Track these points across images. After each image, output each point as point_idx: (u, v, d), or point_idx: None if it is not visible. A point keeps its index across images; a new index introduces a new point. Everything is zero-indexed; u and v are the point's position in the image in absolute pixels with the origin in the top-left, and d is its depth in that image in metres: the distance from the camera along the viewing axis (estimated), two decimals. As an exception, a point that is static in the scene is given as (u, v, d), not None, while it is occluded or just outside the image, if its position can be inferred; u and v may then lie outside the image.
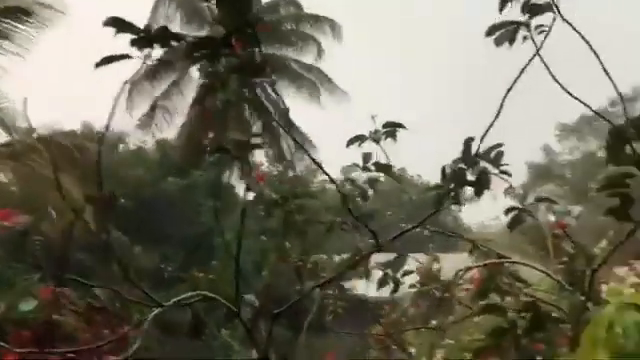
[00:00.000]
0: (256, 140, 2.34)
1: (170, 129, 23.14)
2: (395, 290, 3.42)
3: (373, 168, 2.89)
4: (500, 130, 2.73)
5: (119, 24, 2.04)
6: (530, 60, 2.34)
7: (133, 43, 2.04)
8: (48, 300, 2.93)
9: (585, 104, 2.43)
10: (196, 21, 21.88)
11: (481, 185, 2.60)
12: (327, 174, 2.54)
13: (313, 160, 2.56)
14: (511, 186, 2.98)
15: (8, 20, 13.19)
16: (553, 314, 2.31)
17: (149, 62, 2.04)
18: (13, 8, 13.10)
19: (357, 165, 2.91)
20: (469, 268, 3.09)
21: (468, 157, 2.60)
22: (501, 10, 2.42)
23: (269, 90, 24.45)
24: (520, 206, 2.84)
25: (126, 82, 2.09)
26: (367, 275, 3.39)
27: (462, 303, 3.27)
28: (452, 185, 2.63)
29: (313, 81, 23.71)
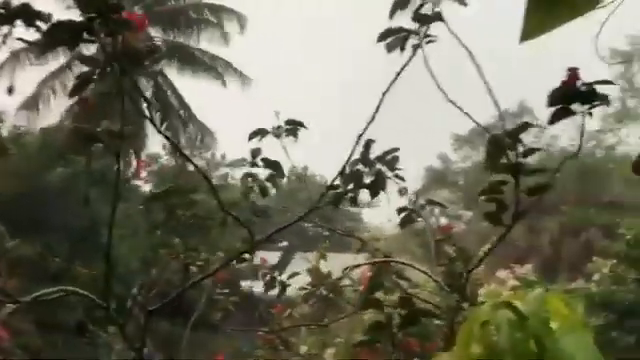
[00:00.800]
0: (130, 130, 2.21)
1: (56, 113, 21.91)
2: (282, 293, 3.46)
3: (261, 164, 2.87)
4: (409, 136, 2.81)
5: None
6: (405, 64, 2.41)
7: None
8: None
9: (469, 115, 2.55)
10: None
11: (377, 187, 2.66)
12: (201, 172, 2.44)
13: (182, 155, 2.45)
14: (404, 188, 3.08)
15: None
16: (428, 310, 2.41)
17: (10, 40, 1.88)
18: None
19: (245, 160, 2.89)
20: (356, 266, 3.15)
21: (367, 159, 2.64)
22: (391, 16, 2.47)
23: (170, 80, 23.78)
24: (411, 207, 2.94)
25: None
26: (256, 274, 3.37)
27: (350, 303, 3.33)
28: (350, 186, 2.66)
29: (218, 70, 23.27)
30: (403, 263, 3.02)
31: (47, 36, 1.87)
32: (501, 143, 2.22)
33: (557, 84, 2.12)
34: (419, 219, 3.01)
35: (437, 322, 2.76)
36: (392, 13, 2.48)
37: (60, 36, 1.85)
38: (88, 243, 19.50)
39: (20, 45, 1.92)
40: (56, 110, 21.91)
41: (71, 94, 2.39)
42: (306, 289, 3.41)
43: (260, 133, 2.87)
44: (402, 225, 2.92)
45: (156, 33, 22.30)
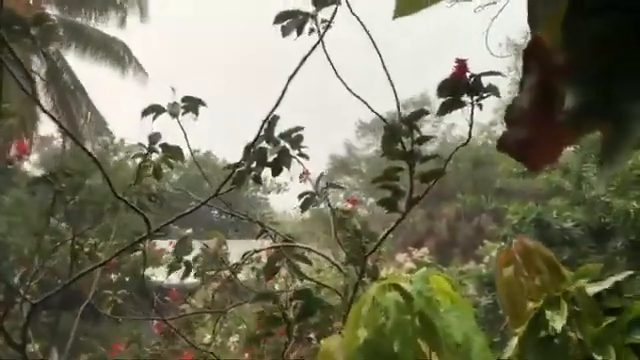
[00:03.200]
0: (11, 107, 2.05)
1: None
2: (186, 274, 3.33)
3: (160, 149, 2.75)
4: (317, 121, 2.80)
5: None
6: (311, 51, 2.39)
7: None
8: None
9: (367, 104, 2.58)
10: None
11: (280, 164, 2.60)
12: (89, 153, 2.31)
13: (70, 135, 2.30)
14: (306, 171, 3.09)
15: None
16: (326, 300, 2.44)
17: None
18: None
19: (142, 145, 2.75)
20: (256, 251, 3.13)
21: (271, 136, 2.58)
22: None
23: (67, 62, 22.42)
24: (313, 191, 2.94)
25: None
26: (146, 261, 3.25)
27: (246, 287, 3.31)
28: (253, 164, 2.59)
29: (118, 53, 22.25)
30: (301, 247, 3.04)
31: None
32: (397, 130, 2.27)
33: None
34: (320, 204, 3.03)
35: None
36: None
37: None
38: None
39: None
40: None
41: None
42: (201, 274, 3.32)
43: (155, 110, 2.69)
44: (303, 208, 2.92)
45: (53, 11, 20.91)
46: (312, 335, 2.57)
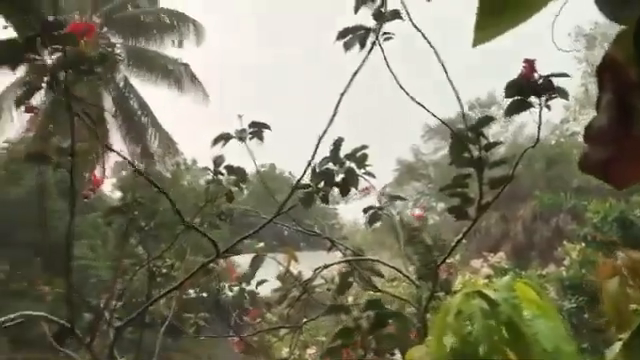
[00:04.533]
0: (83, 146, 2.17)
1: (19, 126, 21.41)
2: (252, 303, 3.42)
3: (225, 172, 2.82)
4: (382, 129, 2.78)
5: None
6: (362, 63, 2.38)
7: None
8: None
9: (428, 110, 2.53)
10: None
11: (348, 185, 2.63)
12: (157, 187, 2.39)
13: (135, 168, 2.38)
14: (368, 187, 3.07)
15: None
16: (402, 312, 2.39)
17: None
18: None
19: (208, 169, 2.83)
20: (325, 266, 3.12)
21: (336, 157, 2.60)
22: (356, 11, 2.45)
23: (133, 86, 23.43)
24: (377, 205, 2.93)
25: None
26: (220, 282, 3.32)
27: (320, 302, 3.30)
28: (321, 184, 2.62)
29: (179, 76, 23.06)
30: (371, 259, 3.00)
31: None
32: (463, 138, 2.22)
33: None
34: (386, 215, 2.99)
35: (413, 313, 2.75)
36: (357, 9, 2.46)
37: (1, 56, 1.78)
38: (58, 257, 19.11)
39: None
40: (19, 123, 21.43)
41: (17, 104, 2.32)
42: (278, 291, 3.36)
43: (224, 138, 2.80)
44: (370, 223, 2.91)
45: (117, 39, 21.96)
46: (390, 348, 2.54)
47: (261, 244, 3.55)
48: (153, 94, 23.27)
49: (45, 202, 19.39)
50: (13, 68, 1.77)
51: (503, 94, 2.17)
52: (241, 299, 3.19)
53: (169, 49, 22.72)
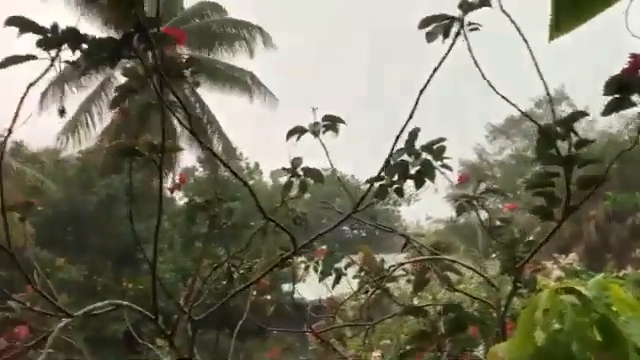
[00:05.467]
0: (171, 144, 2.23)
1: (95, 134, 22.47)
2: (336, 281, 3.36)
3: (302, 173, 2.81)
4: (439, 128, 2.71)
5: (22, 23, 1.88)
6: (445, 56, 2.30)
7: (39, 44, 1.90)
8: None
9: (513, 104, 2.44)
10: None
11: (424, 176, 2.53)
12: (242, 180, 2.42)
13: (225, 164, 2.41)
14: (464, 176, 3.00)
15: None
16: (474, 313, 2.32)
17: (58, 64, 1.90)
18: None
19: (285, 170, 2.83)
20: (401, 264, 3.08)
21: (412, 148, 2.52)
22: None
23: (198, 95, 24.15)
24: (471, 194, 2.84)
25: (31, 84, 1.93)
26: (295, 277, 3.33)
27: (395, 301, 3.26)
28: (395, 177, 2.55)
29: (246, 84, 23.57)
30: (450, 260, 2.94)
31: (87, 55, 1.88)
32: (551, 133, 2.11)
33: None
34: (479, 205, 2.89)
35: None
36: None
37: (100, 54, 1.87)
38: (131, 259, 19.92)
39: (66, 68, 1.94)
40: (95, 133, 22.50)
41: (112, 105, 2.42)
42: (358, 276, 3.30)
43: (298, 131, 2.75)
44: (458, 212, 2.80)
45: (184, 50, 22.70)
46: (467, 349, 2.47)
47: (324, 247, 3.55)
48: (220, 100, 23.90)
49: (116, 209, 20.17)
50: (112, 65, 1.85)
51: (568, 90, 2.06)
52: (328, 275, 3.09)
53: (237, 57, 23.40)
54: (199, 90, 23.10)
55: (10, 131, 2.09)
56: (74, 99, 21.40)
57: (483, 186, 2.90)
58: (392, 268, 3.07)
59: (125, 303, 2.45)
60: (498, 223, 2.75)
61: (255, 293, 4.02)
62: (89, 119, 21.95)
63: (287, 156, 2.88)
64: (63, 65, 1.96)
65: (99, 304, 2.33)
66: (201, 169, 26.64)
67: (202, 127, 22.85)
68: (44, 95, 20.27)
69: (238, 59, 23.70)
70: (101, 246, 20.86)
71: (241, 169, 26.68)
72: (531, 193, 2.31)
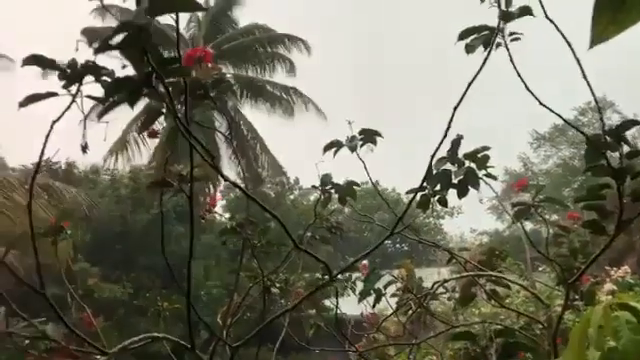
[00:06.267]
0: (201, 172, 2.22)
1: (144, 155, 23.03)
2: (377, 301, 3.30)
3: (333, 191, 2.76)
4: (477, 137, 2.62)
5: (40, 61, 1.88)
6: (481, 68, 2.20)
7: (60, 79, 1.90)
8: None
9: (558, 115, 2.34)
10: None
11: (467, 185, 2.45)
12: (262, 206, 2.38)
13: (245, 193, 2.38)
14: (522, 181, 2.89)
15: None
16: (525, 337, 2.20)
17: (79, 98, 1.90)
18: None
19: (315, 187, 2.79)
20: (445, 280, 2.98)
21: (455, 156, 2.44)
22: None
23: (242, 112, 24.58)
24: (528, 202, 2.74)
25: (54, 122, 1.93)
26: (337, 294, 3.27)
27: (438, 318, 3.16)
28: (437, 187, 2.48)
29: (289, 102, 23.88)
30: (497, 275, 2.82)
31: (107, 94, 1.88)
32: (600, 143, 2.00)
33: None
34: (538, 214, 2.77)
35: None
36: None
37: (120, 93, 1.86)
38: (176, 278, 20.19)
39: (91, 102, 1.94)
40: (145, 151, 23.06)
41: (141, 129, 2.44)
42: (397, 295, 3.21)
43: (334, 145, 2.71)
44: (517, 218, 2.69)
45: (228, 70, 23.16)
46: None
47: (364, 262, 3.48)
48: (262, 119, 24.29)
49: (165, 227, 20.53)
50: (132, 105, 1.83)
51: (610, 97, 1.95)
52: (367, 295, 3.03)
53: (282, 74, 23.81)
54: (244, 107, 23.55)
55: (37, 171, 2.13)
56: (122, 112, 22.01)
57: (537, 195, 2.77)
58: (436, 285, 2.97)
59: (162, 335, 2.43)
60: (560, 232, 2.62)
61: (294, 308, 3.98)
62: (138, 137, 22.50)
63: (324, 170, 2.85)
64: (86, 99, 1.96)
65: (135, 339, 2.31)
66: (242, 185, 26.99)
67: (246, 145, 23.21)
68: (89, 115, 20.91)
69: (283, 76, 24.14)
70: (149, 264, 21.27)
71: (283, 184, 26.89)
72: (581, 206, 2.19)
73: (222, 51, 22.33)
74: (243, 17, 24.84)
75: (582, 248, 2.47)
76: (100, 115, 2.00)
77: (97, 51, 1.70)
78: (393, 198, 33.88)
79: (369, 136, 2.67)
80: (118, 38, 1.67)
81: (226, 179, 2.21)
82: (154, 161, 22.33)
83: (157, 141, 22.39)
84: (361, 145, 2.67)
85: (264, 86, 23.70)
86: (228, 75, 22.37)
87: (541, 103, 2.27)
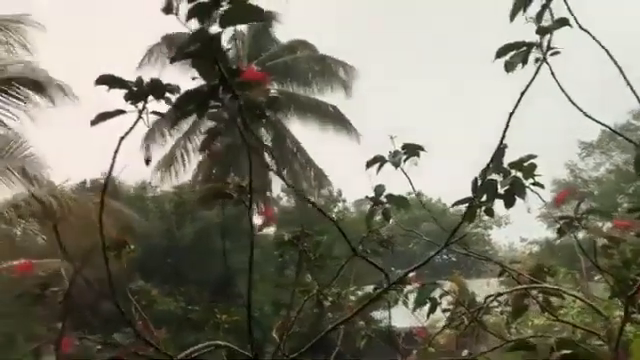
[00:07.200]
0: (259, 183, 2.30)
1: (189, 171, 23.58)
2: (432, 310, 3.27)
3: (385, 200, 2.78)
4: (521, 148, 2.61)
5: (109, 81, 2.00)
6: (530, 83, 2.18)
7: (126, 98, 2.01)
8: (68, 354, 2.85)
9: (603, 124, 2.31)
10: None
11: (514, 195, 2.42)
12: (331, 218, 2.42)
13: (311, 203, 2.42)
14: (571, 190, 2.86)
15: (24, 88, 13.75)
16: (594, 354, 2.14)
17: (146, 115, 2.01)
18: (28, 80, 13.64)
19: (368, 198, 2.81)
20: (499, 294, 2.94)
21: (500, 166, 2.42)
22: (512, 19, 2.24)
23: (288, 128, 25.06)
24: (571, 215, 2.71)
25: (122, 138, 2.04)
26: (389, 305, 3.28)
27: (491, 332, 3.11)
28: (484, 198, 2.45)
29: (329, 118, 24.29)
30: (551, 287, 2.77)
31: (176, 108, 1.98)
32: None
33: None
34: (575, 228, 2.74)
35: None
36: (513, 15, 2.24)
37: (188, 106, 1.96)
38: (225, 291, 20.50)
39: (156, 118, 2.05)
40: (189, 168, 23.66)
41: (201, 148, 2.55)
42: (449, 310, 3.19)
43: (377, 160, 2.74)
44: (560, 234, 2.66)
45: (270, 85, 23.65)
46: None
47: (412, 274, 3.47)
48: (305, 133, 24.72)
49: (212, 242, 20.91)
50: (200, 115, 1.94)
51: None
52: (422, 304, 3.03)
53: (323, 92, 24.26)
54: (291, 123, 24.01)
55: (106, 186, 2.22)
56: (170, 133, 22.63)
57: (583, 206, 2.74)
58: (489, 299, 2.94)
59: (223, 344, 2.51)
60: (609, 242, 2.57)
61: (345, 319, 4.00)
62: (184, 154, 23.13)
63: (370, 182, 2.88)
64: (152, 117, 2.06)
65: (200, 346, 2.40)
66: (286, 198, 27.21)
67: (291, 157, 23.56)
68: (147, 136, 21.69)
69: (324, 93, 24.56)
70: (197, 278, 21.60)
71: (327, 197, 27.02)
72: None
73: (267, 68, 22.86)
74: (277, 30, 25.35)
75: (635, 257, 2.40)
76: (172, 124, 2.10)
77: (172, 60, 1.82)
78: (439, 209, 33.41)
79: (412, 150, 2.69)
80: (191, 47, 1.77)
81: (290, 185, 2.28)
82: (199, 176, 22.82)
83: (201, 158, 22.97)
84: (405, 160, 2.69)
85: (306, 102, 24.09)
86: (273, 91, 22.83)
87: (586, 114, 2.25)
